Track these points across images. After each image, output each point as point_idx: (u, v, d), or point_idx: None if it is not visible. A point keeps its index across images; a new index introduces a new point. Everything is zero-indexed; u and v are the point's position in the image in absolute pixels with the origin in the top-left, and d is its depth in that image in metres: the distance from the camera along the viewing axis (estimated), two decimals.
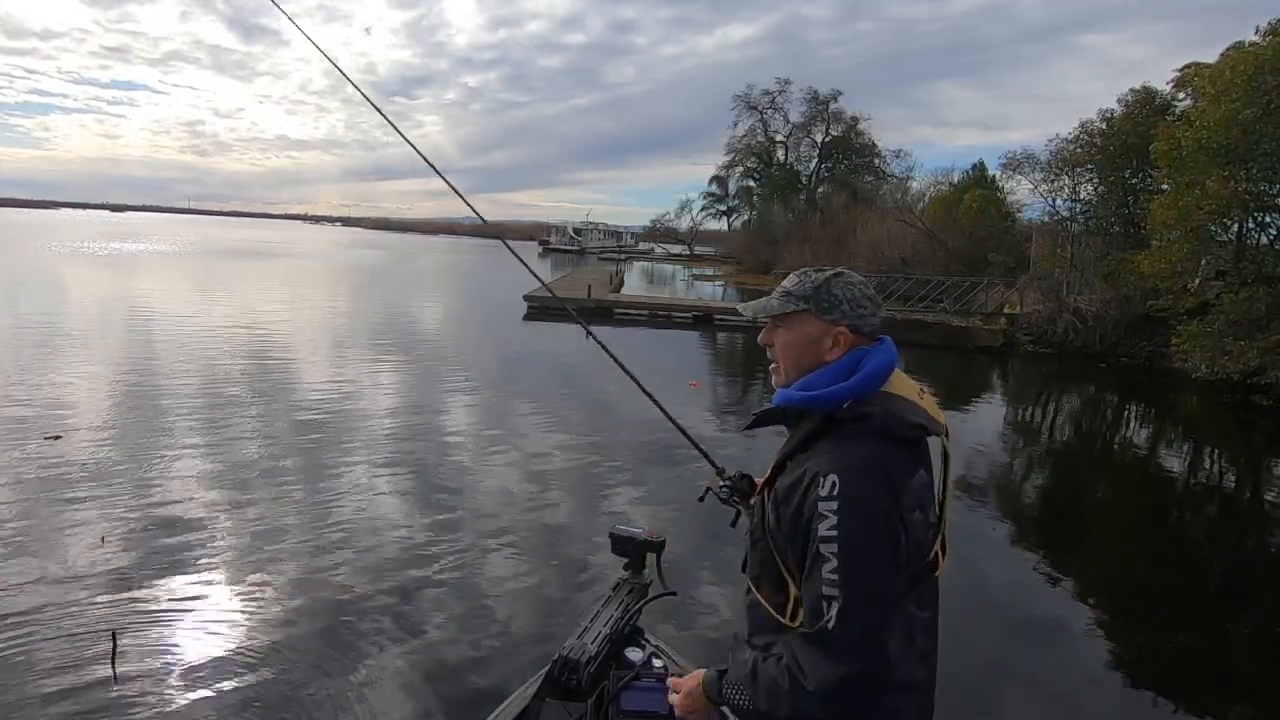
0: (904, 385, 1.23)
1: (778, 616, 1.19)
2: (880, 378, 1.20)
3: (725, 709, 1.25)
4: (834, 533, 1.07)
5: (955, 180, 32.60)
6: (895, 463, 1.13)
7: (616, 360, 2.10)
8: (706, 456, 1.83)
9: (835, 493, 1.08)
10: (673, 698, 1.34)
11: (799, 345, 1.27)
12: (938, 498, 1.24)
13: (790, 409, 1.27)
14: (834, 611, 1.06)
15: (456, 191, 2.71)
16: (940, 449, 1.24)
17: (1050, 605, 4.67)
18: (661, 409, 2.02)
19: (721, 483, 1.70)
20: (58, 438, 6.31)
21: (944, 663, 1.22)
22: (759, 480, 1.62)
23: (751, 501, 1.58)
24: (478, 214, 2.93)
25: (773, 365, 1.33)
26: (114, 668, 3.26)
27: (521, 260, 2.56)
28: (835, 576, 1.06)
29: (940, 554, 1.23)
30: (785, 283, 1.31)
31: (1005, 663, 3.94)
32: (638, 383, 2.06)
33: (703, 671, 1.30)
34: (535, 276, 2.68)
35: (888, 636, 1.07)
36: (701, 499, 1.76)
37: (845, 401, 1.17)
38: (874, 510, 1.08)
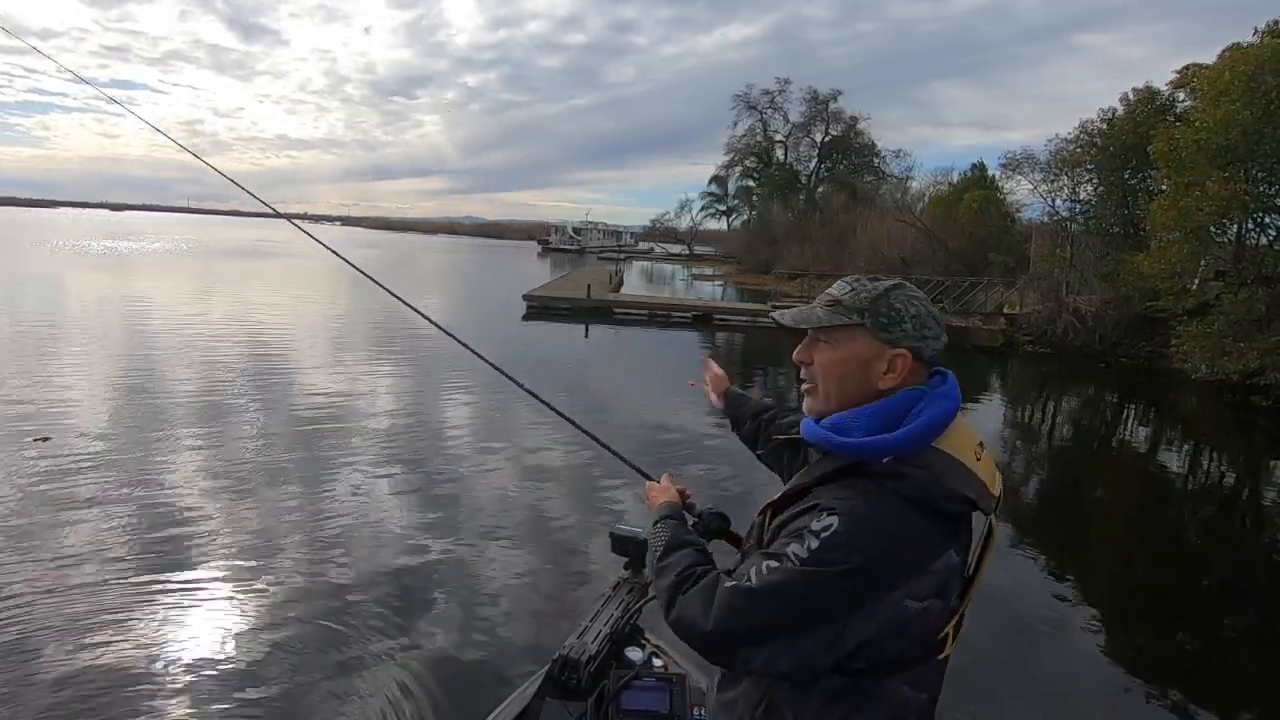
0: (961, 441, 1.04)
1: None
2: (935, 433, 1.01)
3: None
4: (795, 561, 0.97)
5: (955, 180, 32.62)
6: (920, 538, 0.98)
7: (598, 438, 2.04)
8: (682, 495, 1.64)
9: (825, 535, 0.96)
10: (658, 488, 1.50)
11: (846, 366, 1.08)
12: (968, 573, 1.07)
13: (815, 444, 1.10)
14: (737, 584, 1.01)
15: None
16: (985, 527, 1.06)
17: (1050, 604, 4.67)
18: (628, 461, 1.91)
19: (691, 519, 1.59)
20: (47, 439, 6.26)
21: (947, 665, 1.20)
22: (758, 509, 1.58)
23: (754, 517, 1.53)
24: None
25: (806, 386, 1.14)
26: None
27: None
28: (765, 575, 0.98)
29: (953, 635, 1.06)
30: (834, 290, 1.12)
31: (1004, 661, 3.94)
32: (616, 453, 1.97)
33: (675, 503, 1.42)
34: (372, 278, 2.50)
35: (744, 646, 1.00)
36: None
37: (885, 457, 1.00)
38: (846, 579, 0.95)
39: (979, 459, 1.04)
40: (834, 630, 0.97)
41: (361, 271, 2.38)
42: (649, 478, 1.62)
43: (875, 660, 1.01)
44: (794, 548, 0.98)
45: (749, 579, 1.00)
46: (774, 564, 0.99)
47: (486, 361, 2.12)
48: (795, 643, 0.97)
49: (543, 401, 2.02)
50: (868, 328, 1.07)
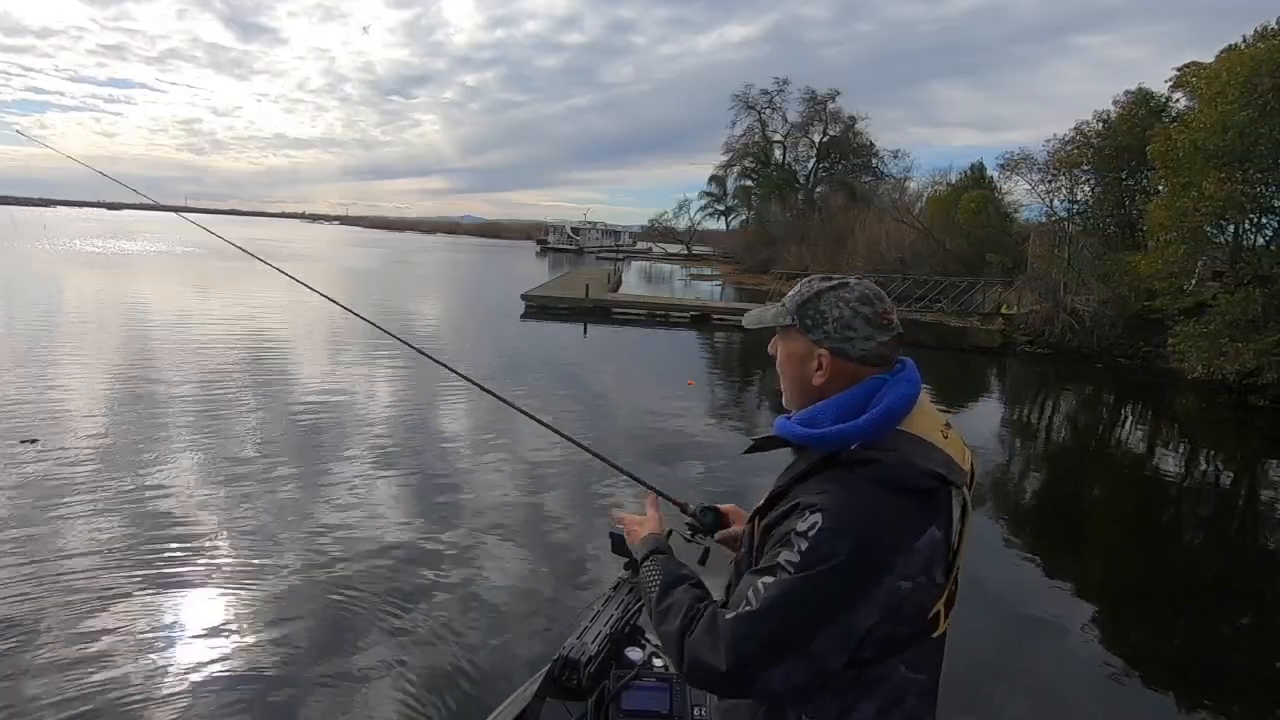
0: (926, 422, 1.08)
1: None
2: (896, 417, 1.05)
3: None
4: (790, 569, 0.98)
5: (953, 180, 32.66)
6: (901, 518, 1.01)
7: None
8: (666, 497, 1.70)
9: (812, 534, 0.98)
10: (637, 520, 1.47)
11: (789, 363, 1.16)
12: (952, 549, 1.08)
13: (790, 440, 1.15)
14: (739, 612, 1.02)
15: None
16: (960, 501, 1.08)
17: (1047, 604, 4.69)
18: (609, 461, 1.91)
19: (686, 519, 1.60)
20: (34, 441, 6.18)
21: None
22: (725, 508, 1.57)
23: (736, 528, 1.52)
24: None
25: (779, 382, 1.21)
26: None
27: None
28: (763, 592, 1.00)
29: (944, 612, 1.08)
30: (790, 292, 1.19)
31: (1002, 661, 3.95)
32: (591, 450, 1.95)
33: (658, 534, 1.40)
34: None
35: (763, 670, 1.00)
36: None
37: (851, 444, 1.05)
38: (843, 570, 0.97)
39: (946, 437, 1.08)
40: (842, 626, 0.99)
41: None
42: (678, 502, 1.63)
43: (879, 646, 1.03)
44: (785, 555, 1.00)
45: (749, 603, 1.01)
46: (769, 579, 1.00)
47: (488, 391, 2.07)
48: (809, 650, 0.99)
49: (550, 427, 1.97)
50: (797, 328, 1.13)
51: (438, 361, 2.06)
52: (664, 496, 1.74)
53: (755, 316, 1.22)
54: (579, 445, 1.91)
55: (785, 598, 0.98)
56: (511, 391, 9.59)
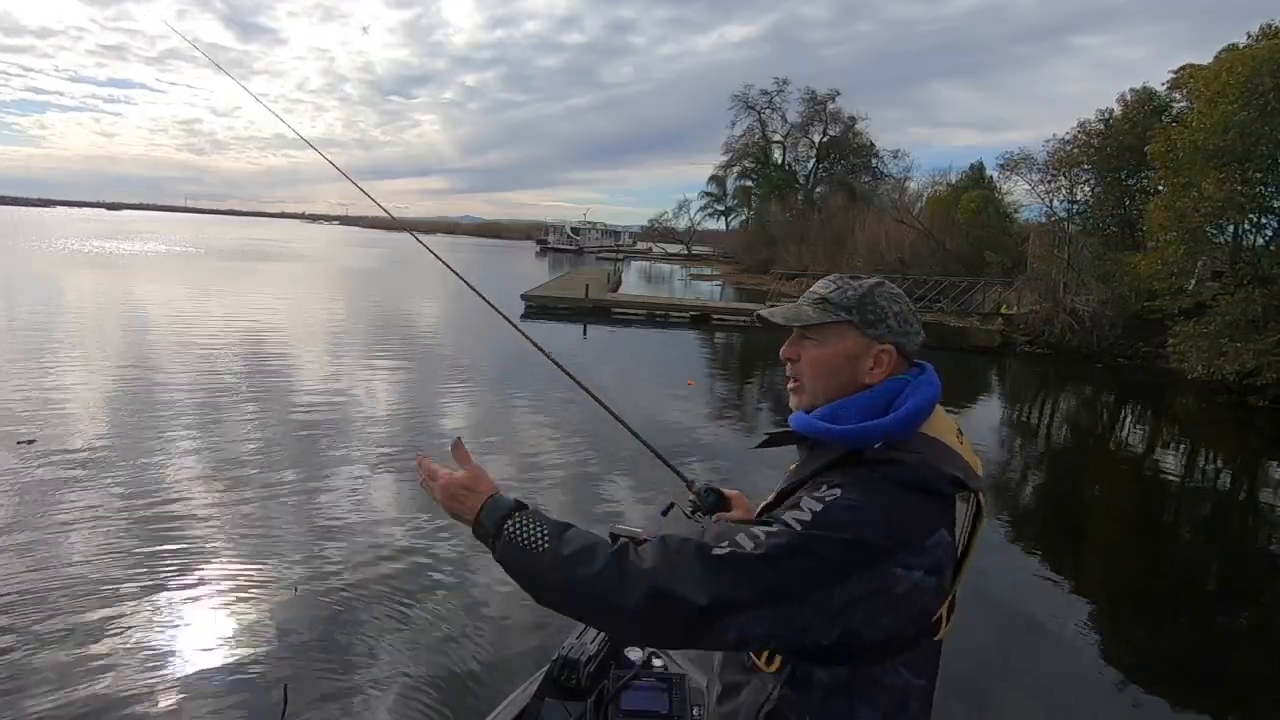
0: (943, 425, 1.07)
1: (752, 655, 1.08)
2: (923, 417, 1.04)
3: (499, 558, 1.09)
4: (797, 525, 0.95)
5: (953, 180, 32.68)
6: (915, 518, 0.99)
7: (577, 380, 1.96)
8: (674, 469, 1.71)
9: (829, 499, 0.96)
10: (462, 481, 1.18)
11: (834, 362, 1.10)
12: (959, 552, 1.06)
13: (808, 436, 1.10)
14: (733, 550, 0.94)
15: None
16: (974, 506, 1.07)
17: (1047, 604, 4.68)
18: (624, 424, 1.87)
19: (690, 496, 1.60)
20: (31, 442, 6.14)
21: (941, 661, 1.18)
22: (729, 493, 1.57)
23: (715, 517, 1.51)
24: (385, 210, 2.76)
25: (792, 384, 1.15)
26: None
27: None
28: (766, 540, 0.94)
29: (946, 616, 1.06)
30: (819, 289, 1.14)
31: (1002, 661, 3.95)
32: (602, 402, 1.93)
33: (496, 493, 1.16)
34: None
35: (735, 617, 0.93)
36: (665, 513, 1.70)
37: (877, 442, 1.03)
38: (849, 542, 0.94)
39: (961, 442, 1.08)
40: (824, 596, 0.94)
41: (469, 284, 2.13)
42: (685, 479, 1.60)
43: (870, 637, 0.99)
44: (793, 514, 0.96)
45: (739, 546, 0.94)
46: (769, 529, 0.96)
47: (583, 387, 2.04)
48: (788, 608, 0.94)
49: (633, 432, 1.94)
50: (855, 324, 1.09)
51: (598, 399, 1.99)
52: (672, 469, 1.75)
53: (791, 313, 1.14)
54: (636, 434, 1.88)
55: (792, 549, 0.94)
56: (512, 392, 9.60)
